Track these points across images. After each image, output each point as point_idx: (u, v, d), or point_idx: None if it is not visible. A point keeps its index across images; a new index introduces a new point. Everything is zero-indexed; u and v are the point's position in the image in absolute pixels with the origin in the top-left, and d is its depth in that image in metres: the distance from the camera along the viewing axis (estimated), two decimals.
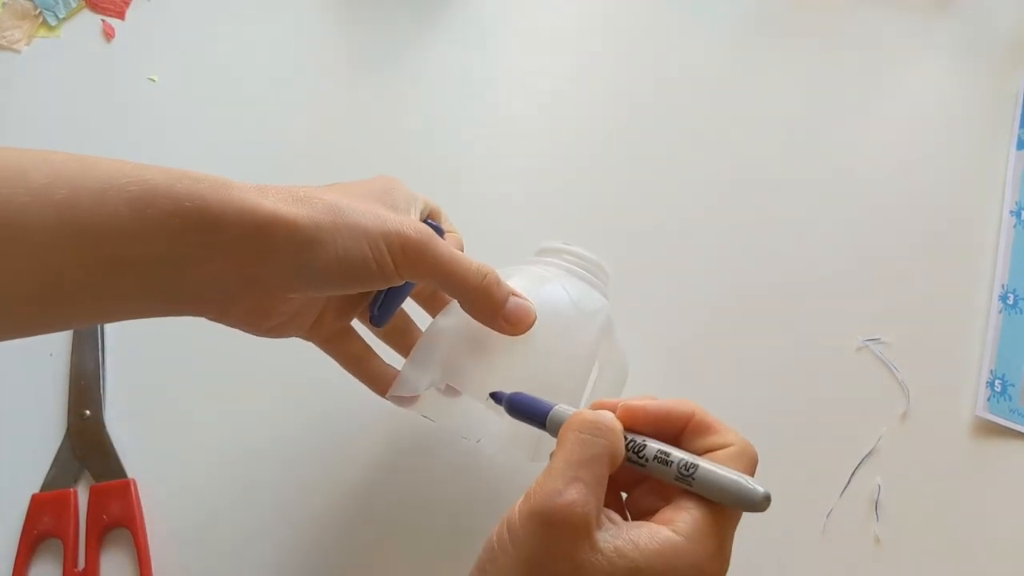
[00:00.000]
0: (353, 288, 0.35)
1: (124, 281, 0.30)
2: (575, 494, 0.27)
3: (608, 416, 0.30)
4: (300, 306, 0.37)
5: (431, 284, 0.37)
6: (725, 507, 0.29)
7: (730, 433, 0.31)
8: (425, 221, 0.40)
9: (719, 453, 0.30)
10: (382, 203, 0.36)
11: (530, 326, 0.38)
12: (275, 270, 0.32)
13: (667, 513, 0.29)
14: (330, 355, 0.42)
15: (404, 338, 0.44)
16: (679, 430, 0.31)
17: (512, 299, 0.37)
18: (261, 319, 0.36)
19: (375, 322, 0.41)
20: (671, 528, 0.28)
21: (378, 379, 0.42)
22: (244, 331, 0.37)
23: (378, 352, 0.43)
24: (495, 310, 0.37)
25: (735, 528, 0.30)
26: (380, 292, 0.40)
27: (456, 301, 0.38)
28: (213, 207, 0.30)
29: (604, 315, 0.41)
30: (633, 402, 0.32)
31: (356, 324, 0.43)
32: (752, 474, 0.30)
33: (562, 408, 0.33)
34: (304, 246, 0.32)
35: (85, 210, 0.28)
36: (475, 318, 0.38)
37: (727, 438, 0.30)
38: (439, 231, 0.40)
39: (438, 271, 0.35)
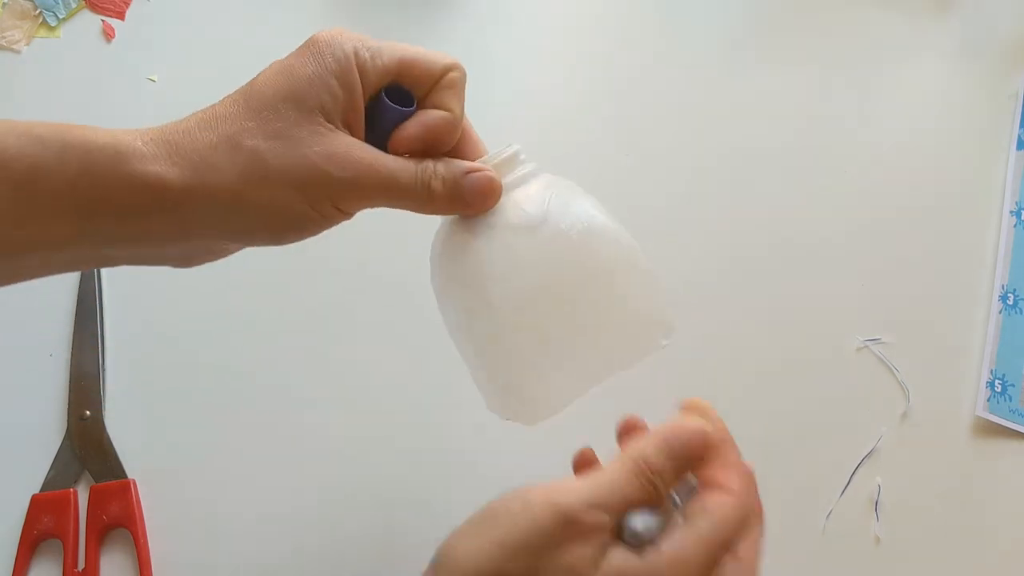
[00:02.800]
0: (295, 233, 0.32)
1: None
2: (598, 519, 0.27)
3: (670, 472, 0.29)
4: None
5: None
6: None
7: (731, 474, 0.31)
8: (382, 92, 0.34)
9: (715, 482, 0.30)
10: (297, 111, 0.32)
11: (497, 193, 0.34)
12: (199, 238, 0.31)
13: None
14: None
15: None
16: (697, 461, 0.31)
17: (468, 177, 0.34)
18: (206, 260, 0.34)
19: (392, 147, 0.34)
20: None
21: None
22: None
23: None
24: (453, 198, 0.33)
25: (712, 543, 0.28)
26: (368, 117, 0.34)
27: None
28: (111, 188, 0.29)
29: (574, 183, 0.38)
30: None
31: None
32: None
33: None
34: (228, 210, 0.30)
35: None
36: (432, 212, 0.34)
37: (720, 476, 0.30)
38: (407, 99, 0.34)
39: (383, 199, 0.33)
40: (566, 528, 0.26)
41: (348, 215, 0.33)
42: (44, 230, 0.29)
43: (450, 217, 0.37)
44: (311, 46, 0.33)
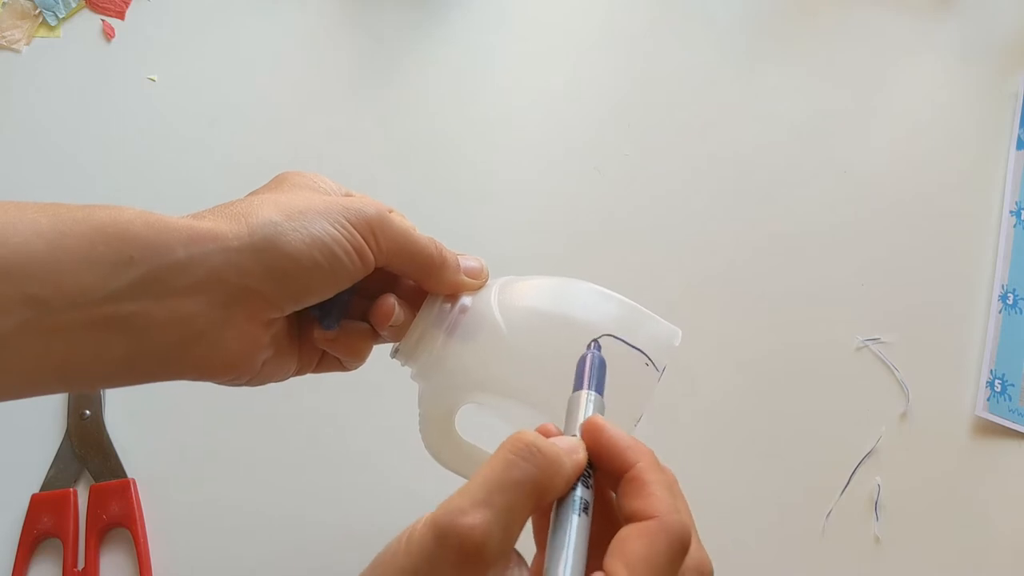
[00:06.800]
0: (335, 279, 0.33)
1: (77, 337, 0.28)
2: (478, 518, 0.24)
3: (546, 442, 0.26)
4: (274, 351, 0.36)
5: (393, 269, 0.35)
6: None
7: (662, 502, 0.26)
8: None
9: (632, 525, 0.25)
10: (316, 192, 0.35)
11: (486, 271, 0.38)
12: (241, 279, 0.31)
13: None
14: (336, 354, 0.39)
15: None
16: (620, 475, 0.27)
17: (459, 257, 0.37)
18: (242, 363, 0.34)
19: (326, 324, 0.37)
20: None
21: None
22: (228, 383, 0.36)
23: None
24: (455, 271, 0.37)
25: None
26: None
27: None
28: (162, 233, 0.29)
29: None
30: (601, 422, 0.28)
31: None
32: (666, 559, 0.25)
33: (580, 396, 0.30)
34: (266, 242, 0.31)
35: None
36: (435, 289, 0.37)
37: (653, 508, 0.25)
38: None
39: (404, 247, 0.34)
40: (444, 544, 0.24)
41: (372, 266, 0.34)
42: (77, 280, 0.28)
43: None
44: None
